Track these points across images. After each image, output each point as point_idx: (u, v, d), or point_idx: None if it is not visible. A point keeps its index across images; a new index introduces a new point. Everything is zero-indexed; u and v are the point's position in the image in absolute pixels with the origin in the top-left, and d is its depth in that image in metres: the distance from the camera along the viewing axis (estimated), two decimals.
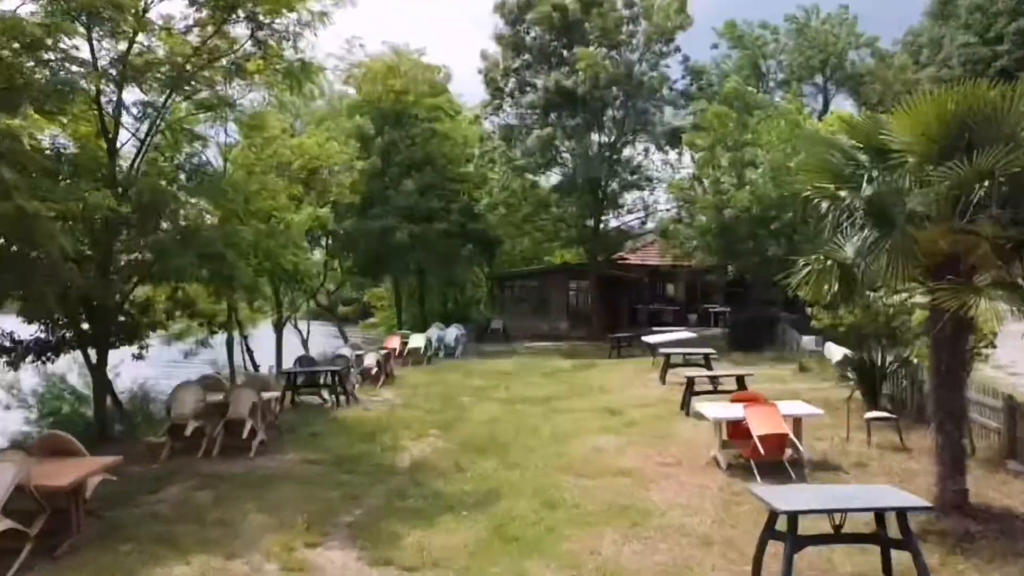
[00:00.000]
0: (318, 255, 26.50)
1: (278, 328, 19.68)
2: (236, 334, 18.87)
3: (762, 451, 8.90)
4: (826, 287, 7.66)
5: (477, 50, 29.68)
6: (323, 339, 29.09)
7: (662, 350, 17.29)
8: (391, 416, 13.15)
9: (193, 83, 11.28)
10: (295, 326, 24.45)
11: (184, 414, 9.93)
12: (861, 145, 7.58)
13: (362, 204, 26.12)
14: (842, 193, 7.37)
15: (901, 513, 5.51)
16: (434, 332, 25.52)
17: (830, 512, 5.60)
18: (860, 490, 6.60)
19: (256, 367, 16.06)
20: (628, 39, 28.62)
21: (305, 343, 24.16)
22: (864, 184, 7.11)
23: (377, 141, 28.63)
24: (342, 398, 14.40)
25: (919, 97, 6.80)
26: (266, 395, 10.71)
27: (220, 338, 19.92)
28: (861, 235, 7.16)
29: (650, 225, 32.14)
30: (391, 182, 28.08)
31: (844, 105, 41.89)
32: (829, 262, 7.37)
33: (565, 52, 28.58)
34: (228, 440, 10.16)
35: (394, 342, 21.53)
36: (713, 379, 13.45)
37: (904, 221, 6.74)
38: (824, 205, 7.51)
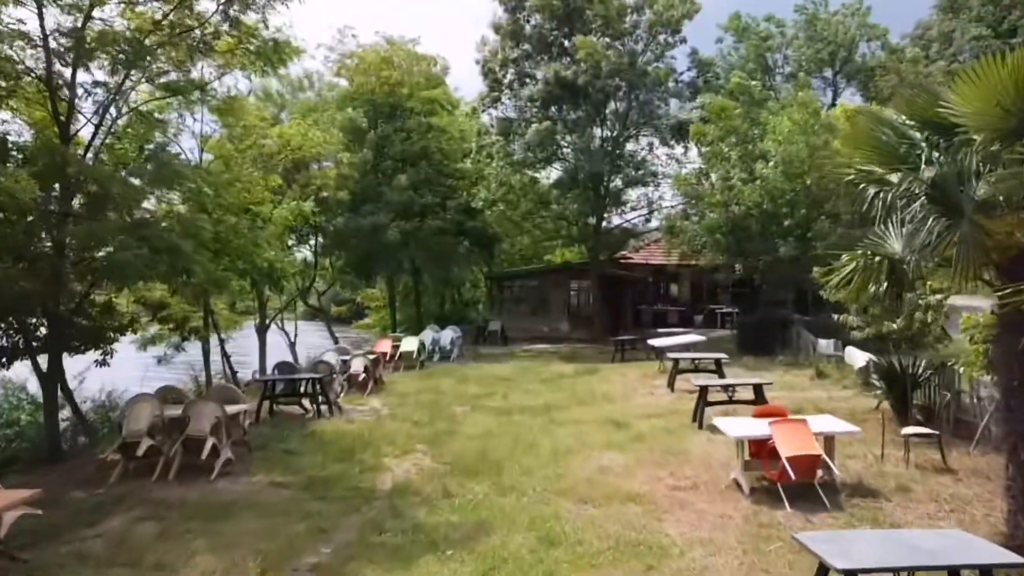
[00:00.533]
0: (306, 253, 25.39)
1: (261, 331, 18.56)
2: (216, 338, 17.79)
3: (792, 475, 7.79)
4: (873, 287, 6.55)
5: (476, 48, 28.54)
6: (314, 341, 27.97)
7: (670, 355, 16.21)
8: (375, 429, 12.05)
9: (154, 61, 10.16)
10: (282, 328, 23.35)
11: (137, 431, 8.83)
12: (914, 122, 6.47)
13: (353, 200, 25.03)
14: (893, 177, 6.26)
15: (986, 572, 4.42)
16: (428, 334, 24.45)
17: (897, 571, 4.50)
18: (926, 537, 5.49)
19: (234, 373, 15.01)
20: (632, 28, 27.51)
21: (292, 346, 23.05)
22: (923, 166, 6.00)
23: (370, 135, 27.52)
24: (324, 408, 13.31)
25: (989, 61, 5.67)
26: (232, 409, 9.61)
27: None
28: (917, 226, 6.03)
29: (654, 223, 31.05)
30: (384, 177, 26.96)
31: (854, 100, 40.83)
32: (877, 258, 6.25)
33: (566, 42, 27.49)
34: (189, 459, 9.06)
35: (385, 345, 20.44)
36: (728, 388, 12.33)
37: (973, 209, 5.63)
38: (871, 191, 6.38)
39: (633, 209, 31.39)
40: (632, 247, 34.47)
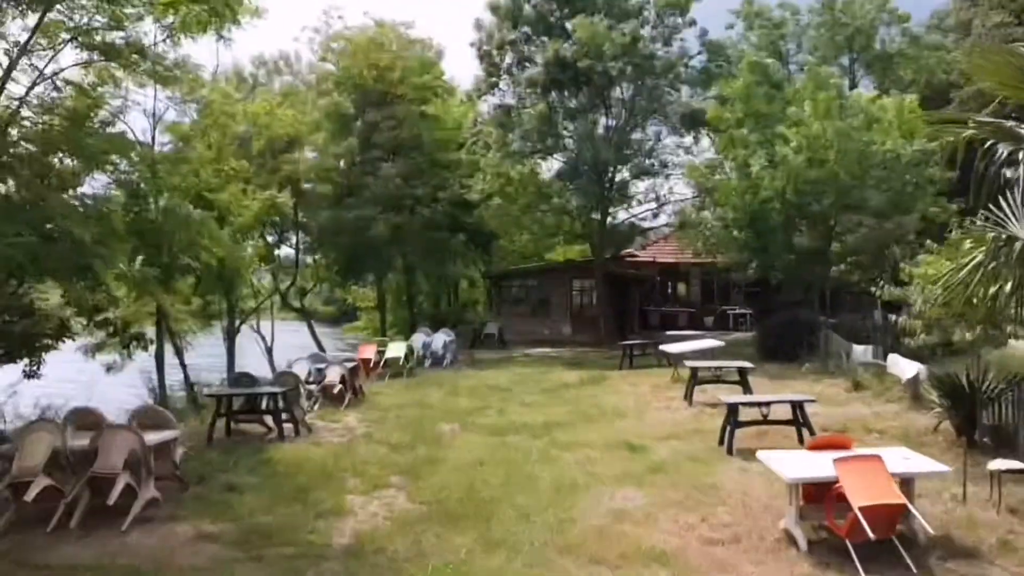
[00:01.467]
0: (288, 251, 23.65)
1: (230, 336, 16.78)
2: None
3: (870, 532, 5.98)
4: (997, 284, 4.74)
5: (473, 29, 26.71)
6: (298, 343, 26.15)
7: (687, 363, 14.39)
8: (345, 454, 10.24)
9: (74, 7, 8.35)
10: (257, 331, 21.55)
11: (30, 467, 7.04)
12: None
13: (338, 193, 23.28)
14: None
15: None
16: (419, 338, 22.64)
17: None
18: None
19: (191, 386, 13.24)
20: (638, 9, 25.69)
21: (270, 351, 21.26)
22: None
23: (357, 123, 25.74)
24: (289, 427, 11.51)
25: None
26: (156, 437, 7.81)
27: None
28: None
29: (662, 219, 29.23)
30: (371, 167, 25.17)
31: (869, 90, 38.94)
32: (1018, 244, 4.44)
33: (568, 24, 25.68)
34: (100, 501, 7.26)
35: (368, 351, 18.65)
36: (761, 406, 10.51)
37: None
38: (1002, 149, 4.56)
39: (640, 203, 29.63)
40: (638, 244, 32.67)
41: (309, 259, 25.92)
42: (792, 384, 15.53)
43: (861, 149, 16.98)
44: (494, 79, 26.87)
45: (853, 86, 39.54)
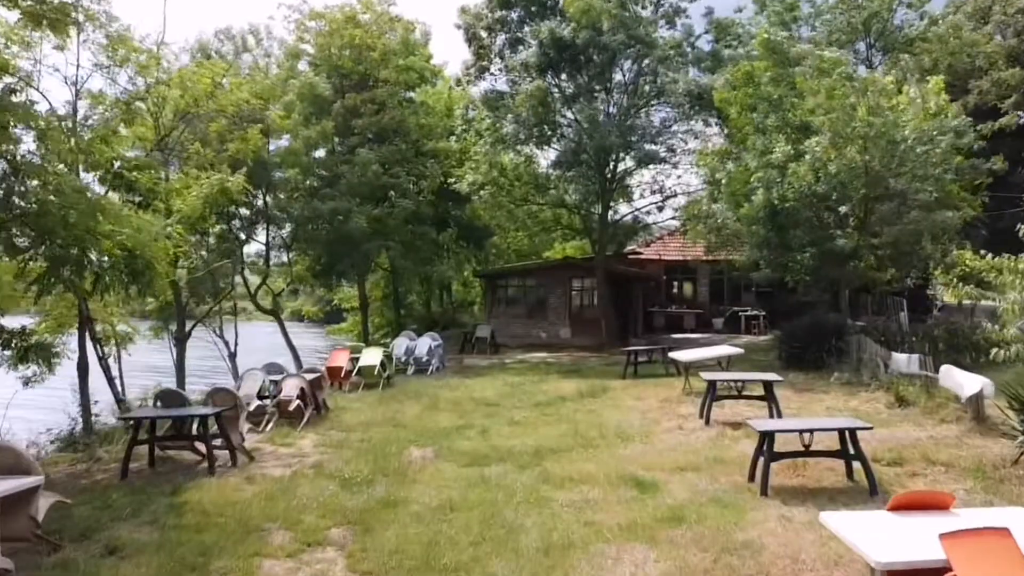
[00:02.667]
0: (260, 246, 21.68)
1: (180, 341, 14.81)
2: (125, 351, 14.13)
3: None
4: None
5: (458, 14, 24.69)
6: (269, 348, 24.17)
7: (704, 375, 12.42)
8: (282, 494, 8.28)
9: None
10: (220, 335, 19.58)
11: None
12: None
13: (313, 185, 21.31)
14: None
15: None
16: (402, 343, 20.75)
17: None
18: None
19: (120, 401, 11.30)
20: None
21: (232, 358, 19.30)
22: None
23: (336, 105, 23.78)
24: (224, 455, 9.58)
25: None
26: (7, 486, 5.85)
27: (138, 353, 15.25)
28: None
29: (668, 213, 27.24)
30: (350, 155, 23.20)
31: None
32: None
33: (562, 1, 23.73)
34: None
35: (340, 358, 16.70)
36: (802, 433, 8.53)
37: None
38: None
39: (644, 196, 27.74)
40: (642, 240, 30.74)
41: (285, 256, 23.90)
42: (822, 399, 13.61)
43: (888, 133, 15.00)
44: (484, 63, 24.91)
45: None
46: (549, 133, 24.40)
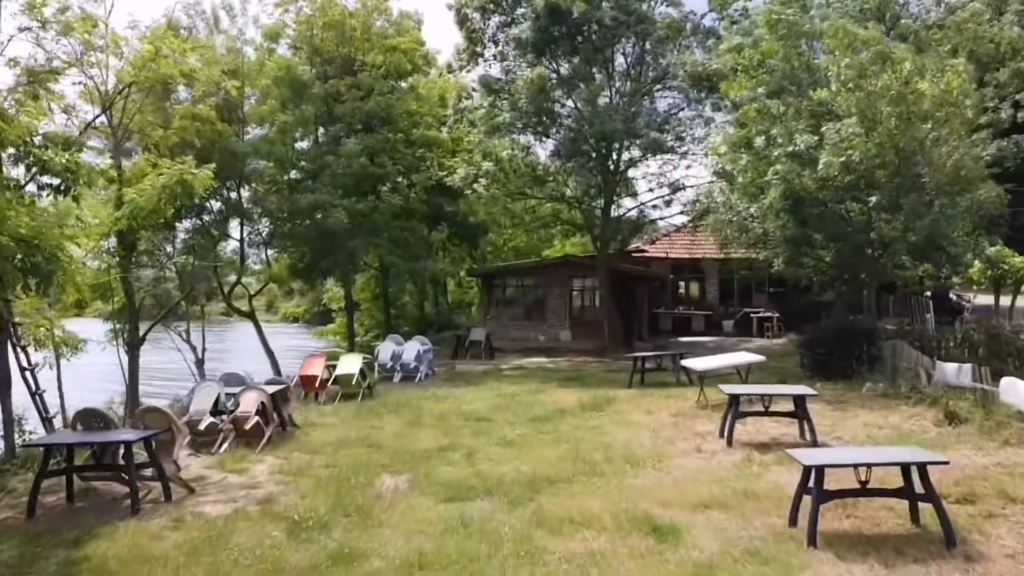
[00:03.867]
0: (232, 246, 20.13)
1: (132, 348, 13.26)
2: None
3: None
4: None
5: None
6: (246, 351, 22.63)
7: (725, 389, 10.85)
8: (210, 546, 6.73)
9: None
10: (186, 340, 18.01)
11: None
12: None
13: (290, 179, 19.77)
14: None
15: None
16: (388, 347, 19.20)
17: None
18: None
19: (47, 419, 9.71)
20: None
21: (200, 364, 17.72)
22: None
23: (315, 89, 22.21)
24: (159, 486, 8.04)
25: None
26: None
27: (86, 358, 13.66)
28: None
29: (675, 208, 25.63)
30: (333, 145, 21.64)
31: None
32: None
33: None
34: None
35: (315, 366, 15.13)
36: (858, 468, 6.97)
37: None
38: None
39: (650, 190, 26.16)
40: (647, 238, 29.19)
41: (265, 254, 22.34)
42: (857, 414, 12.04)
43: (912, 117, 13.44)
44: (477, 48, 23.32)
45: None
46: (548, 122, 22.85)
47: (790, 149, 13.28)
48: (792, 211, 14.21)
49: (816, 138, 13.43)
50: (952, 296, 26.67)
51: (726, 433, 10.42)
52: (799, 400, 10.33)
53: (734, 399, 10.47)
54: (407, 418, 12.95)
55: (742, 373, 13.87)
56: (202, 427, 10.54)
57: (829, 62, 14.81)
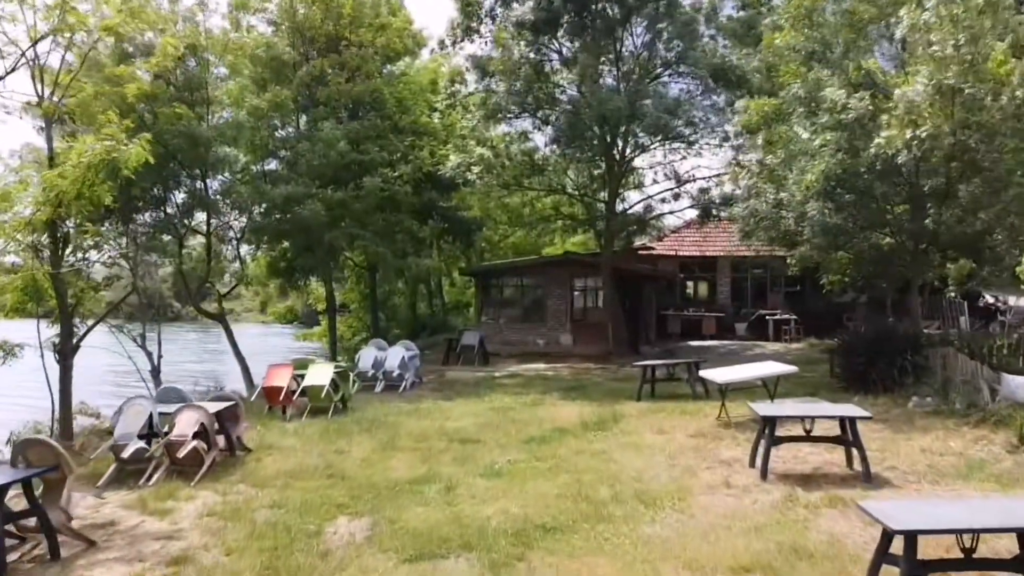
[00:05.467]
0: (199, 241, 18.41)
1: (63, 356, 11.54)
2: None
3: None
4: None
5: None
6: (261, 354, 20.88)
7: (757, 409, 9.10)
8: None
9: None
10: (141, 346, 16.29)
11: None
12: None
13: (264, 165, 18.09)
14: None
15: None
16: (369, 353, 17.55)
17: None
18: None
19: None
20: None
21: (156, 373, 16.00)
22: None
23: (301, 73, 20.53)
24: (41, 540, 6.33)
25: None
26: None
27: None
28: None
29: (685, 202, 23.80)
30: (314, 130, 19.93)
31: None
32: None
33: None
34: None
35: (281, 376, 13.39)
36: (960, 536, 5.21)
37: None
38: None
39: (655, 182, 24.45)
40: (654, 234, 27.47)
41: (238, 251, 20.61)
42: (910, 436, 10.30)
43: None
44: (472, 23, 21.59)
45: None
46: (546, 106, 21.12)
47: (840, 117, 11.41)
48: (831, 195, 12.24)
49: (871, 106, 11.59)
50: (987, 298, 24.92)
51: (760, 463, 8.69)
52: (849, 424, 8.59)
53: (768, 423, 8.72)
54: (381, 439, 11.21)
55: (769, 386, 12.12)
56: (126, 455, 8.82)
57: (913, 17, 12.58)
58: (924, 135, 10.21)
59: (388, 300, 33.30)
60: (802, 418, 8.98)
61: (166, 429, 9.35)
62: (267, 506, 7.94)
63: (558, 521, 7.28)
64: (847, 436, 8.71)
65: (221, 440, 9.88)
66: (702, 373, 12.87)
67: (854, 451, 8.62)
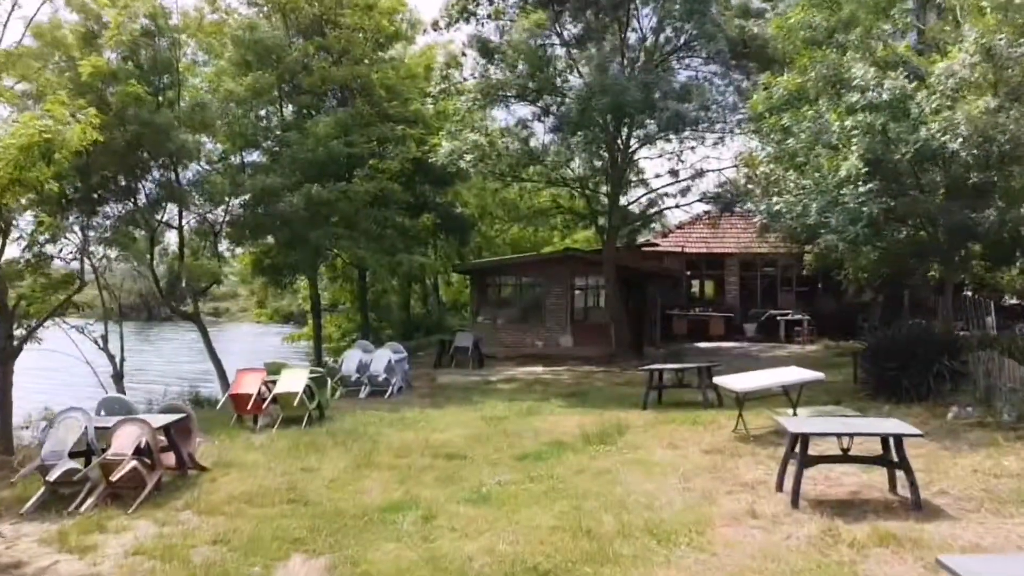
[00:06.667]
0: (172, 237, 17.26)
1: (1, 362, 10.37)
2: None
3: None
4: None
5: None
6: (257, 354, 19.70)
7: (789, 425, 7.90)
8: None
9: None
10: (103, 348, 15.10)
11: None
12: None
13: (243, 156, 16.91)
14: None
15: None
16: (354, 356, 16.42)
17: None
18: None
19: None
20: None
21: (119, 379, 14.81)
22: None
23: (292, 56, 19.37)
24: None
25: None
26: None
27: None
28: None
29: (693, 195, 22.54)
30: (299, 118, 18.77)
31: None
32: None
33: None
34: None
35: (250, 382, 12.20)
36: None
37: None
38: None
39: (657, 176, 23.26)
40: (660, 230, 26.29)
41: (215, 247, 19.41)
42: (957, 455, 9.09)
43: None
44: (469, 4, 20.38)
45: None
46: (548, 95, 19.94)
47: (872, 96, 10.16)
48: (867, 182, 10.91)
49: (912, 85, 10.31)
50: (1010, 298, 23.70)
51: (790, 487, 7.50)
52: (896, 443, 7.39)
53: (799, 441, 7.53)
54: (356, 454, 10.02)
55: (791, 394, 10.92)
56: (52, 477, 7.64)
57: None
58: (977, 111, 9.01)
59: (381, 299, 32.12)
60: (838, 435, 7.78)
61: (104, 446, 8.18)
62: (209, 541, 6.75)
63: (554, 562, 6.10)
64: (891, 456, 7.53)
65: (171, 458, 8.73)
66: (717, 381, 11.67)
67: (900, 474, 7.45)
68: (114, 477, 7.64)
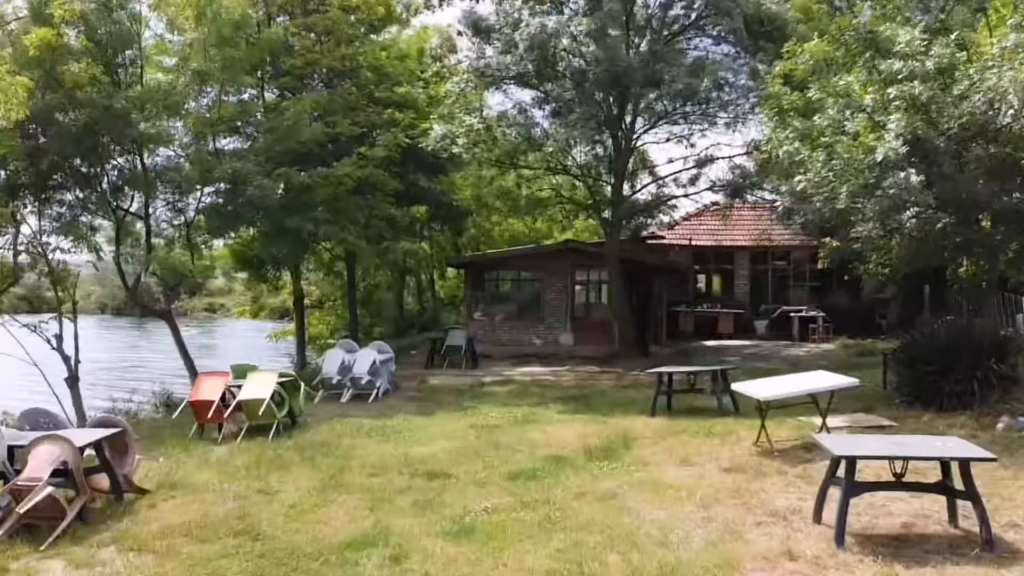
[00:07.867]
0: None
1: None
2: None
3: None
4: None
5: None
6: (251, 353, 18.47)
7: (833, 447, 6.67)
8: None
9: None
10: (56, 347, 13.90)
11: None
12: None
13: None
14: None
15: None
16: (336, 357, 15.26)
17: None
18: None
19: None
20: None
21: (75, 382, 13.60)
22: None
23: (274, 32, 18.17)
24: None
25: None
26: None
27: None
28: None
29: (703, 184, 21.25)
30: (282, 100, 17.59)
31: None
32: None
33: None
34: None
35: (211, 387, 10.98)
36: None
37: None
38: None
39: (669, 161, 22.02)
40: (666, 221, 25.06)
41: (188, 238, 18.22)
42: (1019, 475, 7.84)
43: None
44: None
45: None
46: (547, 76, 18.69)
47: (916, 65, 8.91)
48: (922, 158, 9.65)
49: (963, 54, 9.07)
50: None
51: (830, 518, 6.30)
52: (962, 467, 6.17)
53: (846, 464, 6.30)
54: (325, 472, 8.81)
55: (820, 405, 9.68)
56: None
57: None
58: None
59: (373, 295, 30.94)
60: (890, 459, 6.55)
61: (21, 467, 6.98)
62: None
63: None
64: (953, 482, 6.32)
65: (105, 480, 7.53)
66: (736, 387, 10.45)
67: (965, 504, 6.24)
68: (22, 508, 6.43)
